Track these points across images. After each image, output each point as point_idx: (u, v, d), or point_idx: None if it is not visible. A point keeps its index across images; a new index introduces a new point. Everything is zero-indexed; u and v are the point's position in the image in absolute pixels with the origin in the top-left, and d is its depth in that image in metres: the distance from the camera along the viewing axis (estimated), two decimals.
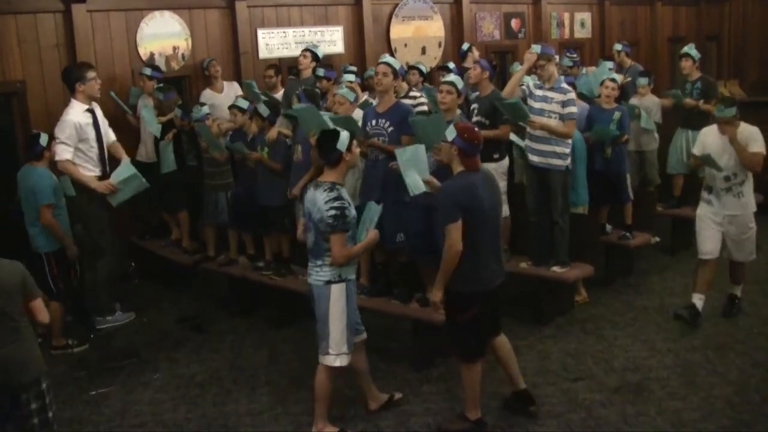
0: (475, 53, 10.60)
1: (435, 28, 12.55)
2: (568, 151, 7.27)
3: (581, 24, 14.97)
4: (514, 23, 13.80)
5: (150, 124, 8.41)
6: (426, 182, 5.68)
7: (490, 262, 5.22)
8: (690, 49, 9.50)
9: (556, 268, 7.32)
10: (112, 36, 9.13)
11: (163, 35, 9.55)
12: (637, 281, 7.39)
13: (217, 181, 7.97)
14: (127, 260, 8.97)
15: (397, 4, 11.97)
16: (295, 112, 6.88)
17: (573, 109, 7.23)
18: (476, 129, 5.31)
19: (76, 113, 7.33)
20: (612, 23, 15.36)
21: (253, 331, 7.54)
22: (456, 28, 12.81)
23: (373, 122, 6.71)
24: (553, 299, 7.40)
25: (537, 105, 7.32)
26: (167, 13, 9.57)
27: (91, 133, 7.39)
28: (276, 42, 10.47)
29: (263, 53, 10.42)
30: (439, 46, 12.60)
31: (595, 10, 15.19)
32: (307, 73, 9.10)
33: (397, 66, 6.82)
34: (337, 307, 5.12)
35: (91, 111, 7.44)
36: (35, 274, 6.91)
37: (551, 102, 7.25)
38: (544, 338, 6.95)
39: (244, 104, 7.85)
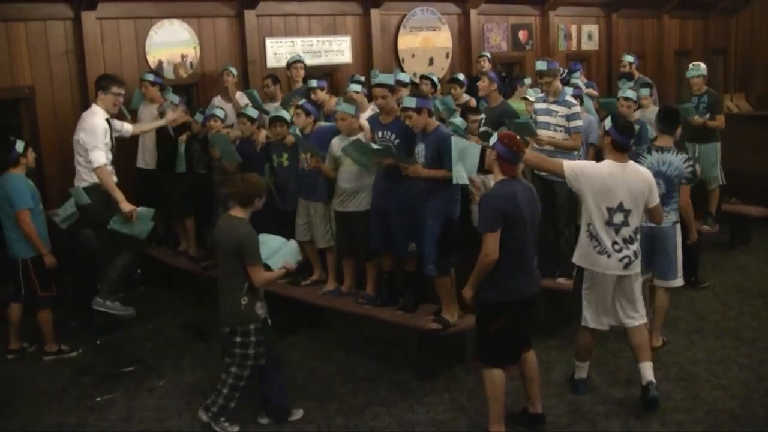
0: (485, 64, 10.71)
1: (443, 38, 12.58)
2: None
3: (588, 36, 14.99)
4: (522, 35, 13.82)
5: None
6: (471, 180, 5.91)
7: (525, 271, 5.25)
8: (703, 70, 9.56)
9: (561, 280, 7.32)
10: (121, 43, 9.18)
11: (171, 43, 9.59)
12: (643, 294, 7.42)
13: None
14: (133, 267, 8.99)
15: (405, 15, 12.01)
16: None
17: (578, 123, 7.28)
18: (518, 137, 5.35)
19: (101, 119, 7.37)
20: (619, 36, 15.38)
21: None
22: (464, 39, 12.84)
23: (379, 134, 6.73)
24: (558, 310, 7.40)
25: (541, 118, 7.37)
26: (176, 22, 9.62)
27: (109, 142, 7.43)
28: (284, 51, 10.50)
29: (271, 62, 10.46)
30: (447, 56, 12.63)
31: (602, 22, 15.21)
32: (298, 84, 9.18)
33: (391, 81, 6.86)
34: (679, 241, 6.58)
35: (108, 121, 7.48)
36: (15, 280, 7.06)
37: (555, 115, 7.29)
38: (549, 349, 6.94)
39: (253, 113, 7.89)
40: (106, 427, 5.90)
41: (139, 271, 8.93)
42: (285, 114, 7.63)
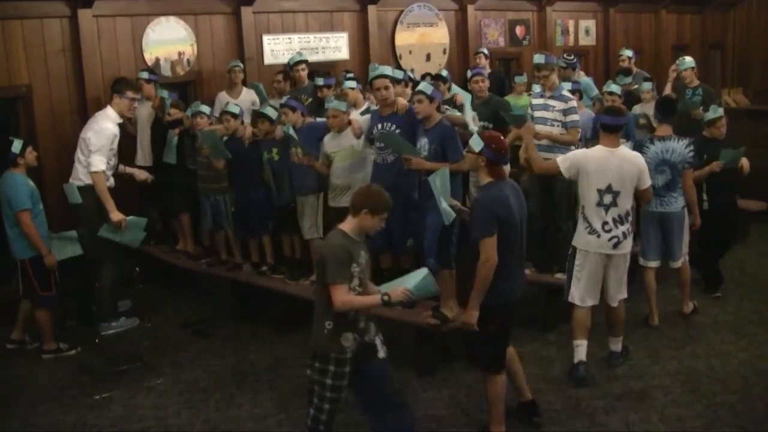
0: (482, 60, 10.75)
1: (440, 34, 12.57)
2: None
3: (586, 31, 14.98)
4: (519, 30, 13.82)
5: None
6: (452, 206, 5.63)
7: (517, 272, 5.22)
8: (691, 62, 9.64)
9: (559, 275, 7.31)
10: (117, 41, 9.17)
11: (168, 41, 9.59)
12: (640, 288, 7.42)
13: (213, 185, 7.94)
14: (131, 265, 8.99)
15: (402, 11, 12.01)
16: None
17: (575, 117, 7.26)
18: (503, 138, 5.29)
19: (113, 123, 7.40)
20: (616, 31, 15.38)
21: (256, 336, 7.55)
22: (461, 35, 12.84)
23: (379, 126, 6.72)
24: (556, 306, 7.39)
25: (538, 113, 7.36)
26: (173, 19, 9.61)
27: (116, 147, 7.46)
28: (281, 48, 10.50)
29: (268, 59, 10.45)
30: (444, 52, 12.62)
31: (599, 17, 15.21)
32: (303, 84, 9.18)
33: (390, 72, 6.86)
34: (686, 224, 7.18)
35: (119, 125, 7.51)
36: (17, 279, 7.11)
37: (552, 110, 7.28)
38: (548, 345, 6.95)
39: (235, 110, 7.87)
40: (105, 426, 5.89)
41: (137, 268, 8.96)
42: (270, 111, 7.62)
